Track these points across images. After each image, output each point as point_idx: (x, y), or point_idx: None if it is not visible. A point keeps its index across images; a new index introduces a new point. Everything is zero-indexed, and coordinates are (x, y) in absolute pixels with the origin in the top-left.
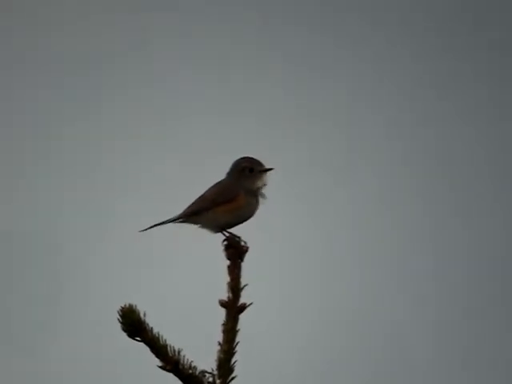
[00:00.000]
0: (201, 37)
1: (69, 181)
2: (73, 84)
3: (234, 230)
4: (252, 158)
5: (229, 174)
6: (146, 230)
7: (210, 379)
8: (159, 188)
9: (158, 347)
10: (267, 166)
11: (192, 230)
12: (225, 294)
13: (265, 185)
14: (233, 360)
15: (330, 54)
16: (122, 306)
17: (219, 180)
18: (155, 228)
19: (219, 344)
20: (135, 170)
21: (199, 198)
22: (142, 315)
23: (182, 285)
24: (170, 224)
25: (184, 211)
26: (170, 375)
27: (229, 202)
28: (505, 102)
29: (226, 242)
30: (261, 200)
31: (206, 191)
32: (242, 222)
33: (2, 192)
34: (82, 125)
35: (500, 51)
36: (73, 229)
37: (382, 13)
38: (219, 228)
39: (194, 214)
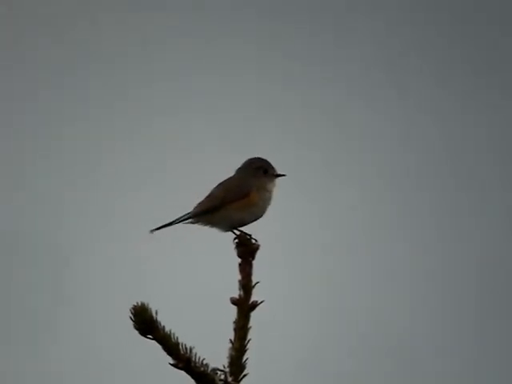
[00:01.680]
0: (201, 37)
1: (69, 181)
2: (73, 84)
3: (244, 229)
4: (266, 160)
5: (241, 170)
6: (157, 230)
7: (222, 377)
8: (159, 187)
9: (169, 345)
10: (279, 171)
11: (202, 228)
12: (236, 292)
13: (274, 188)
14: (244, 357)
15: (330, 52)
16: (135, 304)
17: (227, 177)
18: (169, 228)
19: (231, 342)
20: (135, 170)
21: (208, 196)
22: (153, 313)
23: (193, 283)
24: (181, 223)
25: (194, 210)
26: (182, 373)
27: (241, 198)
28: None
29: (236, 240)
30: (270, 200)
31: (215, 189)
32: (254, 220)
33: (1, 192)
34: (82, 125)
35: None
36: (73, 229)
37: (381, 11)
38: (232, 226)
39: (205, 213)
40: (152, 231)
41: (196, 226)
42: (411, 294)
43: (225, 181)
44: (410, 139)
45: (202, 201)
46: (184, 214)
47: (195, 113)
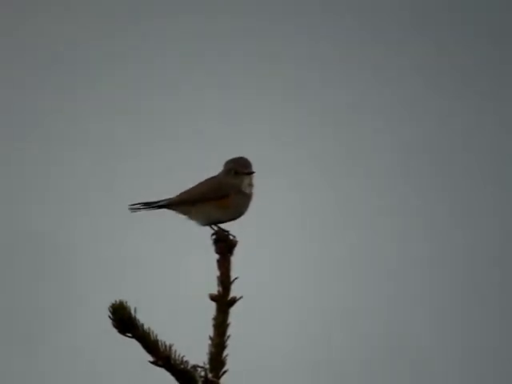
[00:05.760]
0: (201, 37)
1: (70, 181)
2: (73, 84)
3: (222, 225)
4: (239, 160)
5: (220, 173)
6: (135, 207)
7: (202, 373)
8: (161, 187)
9: (149, 343)
10: (252, 169)
11: (179, 220)
12: (215, 288)
13: (250, 185)
14: (224, 353)
15: (329, 53)
16: (113, 302)
17: (213, 176)
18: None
19: (210, 338)
20: (135, 171)
21: (192, 187)
22: (132, 311)
23: (172, 280)
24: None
25: (175, 197)
26: (163, 370)
27: (219, 199)
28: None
29: (214, 237)
30: (250, 197)
31: (199, 183)
32: (231, 220)
33: (3, 192)
34: (82, 125)
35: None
36: (72, 228)
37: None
38: (209, 222)
39: (184, 203)
40: (131, 207)
41: (175, 213)
42: (406, 291)
43: (210, 178)
44: (408, 138)
45: (185, 191)
46: (166, 198)
47: (196, 112)
